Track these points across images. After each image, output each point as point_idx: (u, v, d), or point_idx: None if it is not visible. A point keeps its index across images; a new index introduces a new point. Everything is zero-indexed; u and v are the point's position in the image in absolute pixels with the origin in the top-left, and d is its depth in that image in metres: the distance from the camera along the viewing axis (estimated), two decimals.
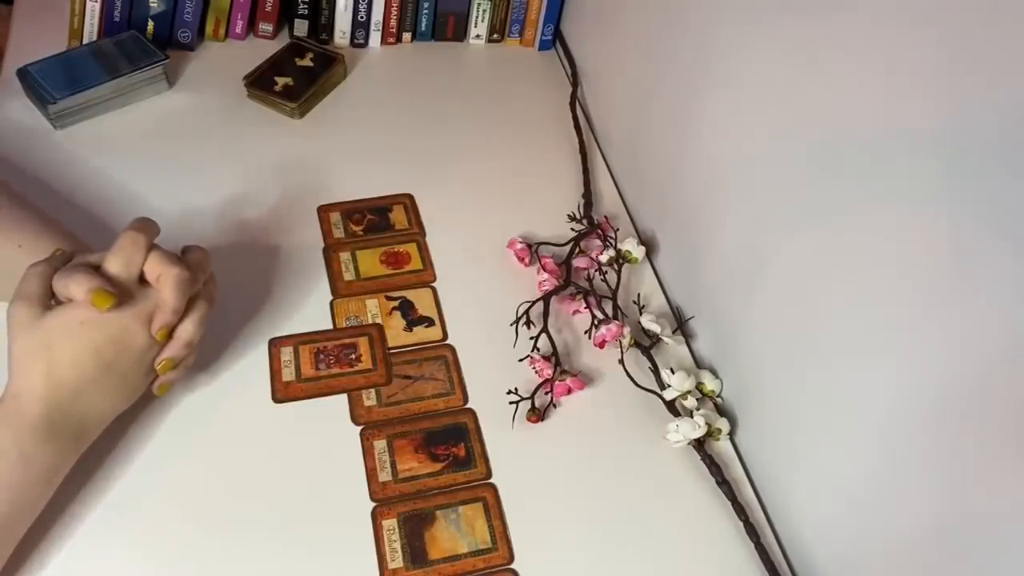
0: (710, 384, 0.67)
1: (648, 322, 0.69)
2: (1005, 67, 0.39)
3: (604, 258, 0.74)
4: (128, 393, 0.56)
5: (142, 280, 0.55)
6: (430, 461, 0.62)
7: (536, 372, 0.67)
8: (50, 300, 0.54)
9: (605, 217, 0.80)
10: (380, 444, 0.63)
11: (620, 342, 0.67)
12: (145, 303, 0.55)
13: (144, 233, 0.56)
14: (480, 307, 0.72)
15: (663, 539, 0.60)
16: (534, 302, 0.70)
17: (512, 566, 0.57)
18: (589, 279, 0.75)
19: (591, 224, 0.78)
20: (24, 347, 0.52)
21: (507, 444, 0.63)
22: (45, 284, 0.54)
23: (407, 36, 0.99)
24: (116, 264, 0.54)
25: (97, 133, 0.82)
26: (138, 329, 0.54)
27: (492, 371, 0.67)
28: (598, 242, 0.76)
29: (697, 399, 0.66)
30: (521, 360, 0.67)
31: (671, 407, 0.66)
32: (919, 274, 0.45)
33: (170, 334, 0.56)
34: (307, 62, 0.90)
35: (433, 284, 0.74)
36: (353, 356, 0.67)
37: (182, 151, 0.81)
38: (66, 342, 0.52)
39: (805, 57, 0.54)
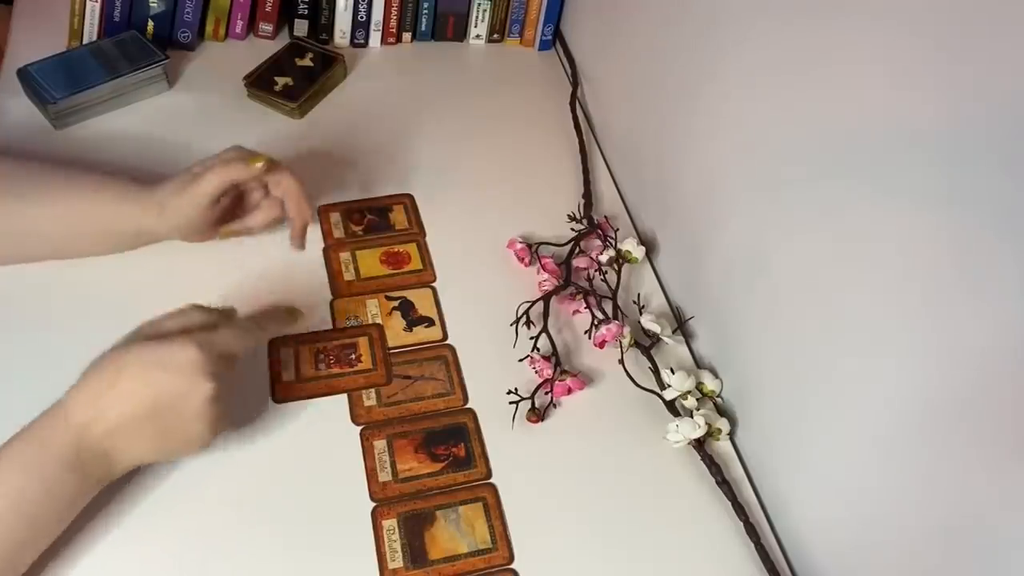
0: (710, 384, 0.67)
1: (648, 322, 0.69)
2: (1005, 66, 0.39)
3: (604, 258, 0.74)
4: (163, 448, 0.54)
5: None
6: (430, 461, 0.62)
7: (536, 372, 0.67)
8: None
9: (605, 217, 0.80)
10: (380, 444, 0.63)
11: (620, 342, 0.67)
12: (225, 375, 0.53)
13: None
14: (480, 307, 0.72)
15: (663, 539, 0.60)
16: (534, 302, 0.70)
17: (512, 566, 0.57)
18: (589, 279, 0.75)
19: (591, 224, 0.78)
20: (104, 363, 0.52)
21: (507, 444, 0.63)
22: (178, 328, 0.53)
23: (407, 36, 0.99)
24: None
25: (97, 133, 0.82)
26: (204, 394, 0.52)
27: (492, 371, 0.67)
28: (598, 242, 0.76)
29: (697, 399, 0.66)
30: (521, 360, 0.67)
31: (671, 407, 0.66)
32: (919, 274, 0.45)
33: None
34: (307, 62, 0.90)
35: (433, 284, 0.74)
36: (353, 356, 0.67)
37: (182, 151, 0.81)
38: (134, 372, 0.51)
39: (805, 57, 0.54)
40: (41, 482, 0.50)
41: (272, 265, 0.72)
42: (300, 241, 0.71)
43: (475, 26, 0.99)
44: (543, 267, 0.73)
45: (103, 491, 0.57)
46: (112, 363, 0.52)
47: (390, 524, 0.59)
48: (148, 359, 0.51)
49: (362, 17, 0.95)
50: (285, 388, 0.65)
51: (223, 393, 0.53)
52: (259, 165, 0.64)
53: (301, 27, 0.95)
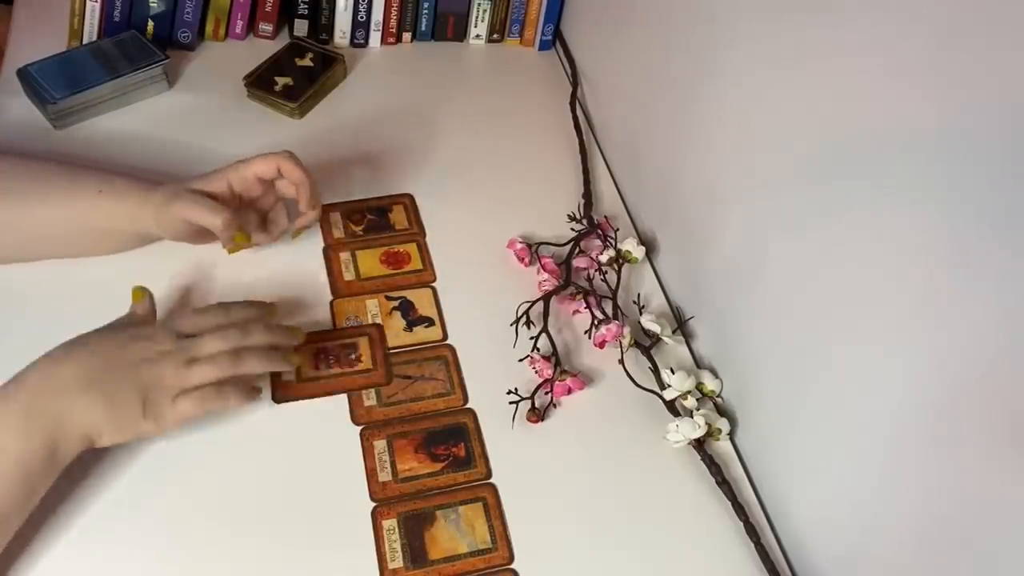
0: (710, 384, 0.67)
1: (648, 322, 0.69)
2: (1005, 66, 0.39)
3: (604, 258, 0.74)
4: (112, 418, 0.54)
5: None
6: (430, 461, 0.62)
7: (536, 372, 0.67)
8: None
9: (605, 217, 0.80)
10: (380, 444, 0.63)
11: (620, 342, 0.67)
12: (153, 337, 0.58)
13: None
14: (480, 307, 0.72)
15: (663, 539, 0.60)
16: (534, 302, 0.70)
17: (512, 566, 0.57)
18: (589, 279, 0.75)
19: (591, 224, 0.78)
20: (63, 345, 0.56)
21: (507, 444, 0.64)
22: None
23: (407, 36, 0.99)
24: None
25: (97, 133, 0.82)
26: (135, 350, 0.56)
27: (492, 371, 0.67)
28: (598, 242, 0.76)
29: (697, 399, 0.66)
30: (521, 360, 0.67)
31: (671, 407, 0.66)
32: (919, 273, 0.45)
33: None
34: (307, 62, 0.90)
35: (433, 284, 0.74)
36: (353, 356, 0.67)
37: (182, 151, 0.81)
38: (89, 340, 0.56)
39: (805, 57, 0.54)
40: None
41: (272, 265, 0.72)
42: (301, 228, 0.72)
43: (475, 26, 0.99)
44: (543, 267, 0.73)
45: (98, 487, 0.57)
46: (72, 342, 0.56)
47: (390, 524, 0.59)
48: (105, 331, 0.57)
49: (362, 17, 0.95)
50: (285, 388, 0.65)
51: (169, 382, 0.56)
52: (232, 250, 0.67)
53: (301, 27, 0.95)
